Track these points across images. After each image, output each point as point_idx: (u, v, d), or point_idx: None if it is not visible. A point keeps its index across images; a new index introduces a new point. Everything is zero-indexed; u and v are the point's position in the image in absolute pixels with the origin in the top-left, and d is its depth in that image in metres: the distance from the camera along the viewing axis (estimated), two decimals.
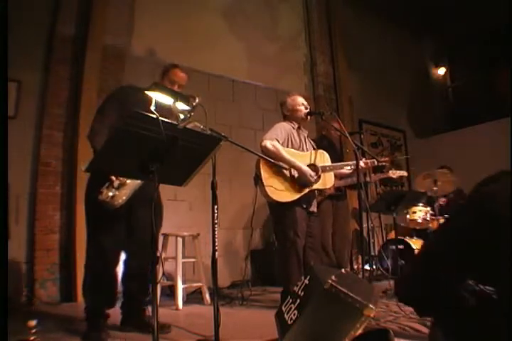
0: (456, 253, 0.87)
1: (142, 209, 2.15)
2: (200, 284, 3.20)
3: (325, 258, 3.37)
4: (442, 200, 4.60)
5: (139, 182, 2.12)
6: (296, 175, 2.76)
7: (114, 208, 2.08)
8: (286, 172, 2.75)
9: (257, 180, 2.74)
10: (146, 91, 1.97)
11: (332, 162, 2.97)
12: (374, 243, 5.01)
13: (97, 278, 2.17)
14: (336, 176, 3.38)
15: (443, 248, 0.91)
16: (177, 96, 1.92)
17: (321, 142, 3.69)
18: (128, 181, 2.10)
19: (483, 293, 0.87)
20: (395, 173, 3.48)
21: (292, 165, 2.74)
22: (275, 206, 2.80)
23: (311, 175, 2.75)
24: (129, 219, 2.22)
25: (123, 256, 2.32)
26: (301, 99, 3.00)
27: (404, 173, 3.61)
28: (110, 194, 2.05)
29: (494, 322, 0.84)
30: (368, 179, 3.49)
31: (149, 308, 2.01)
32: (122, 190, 2.09)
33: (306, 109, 2.97)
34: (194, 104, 1.97)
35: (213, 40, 4.56)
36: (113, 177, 2.06)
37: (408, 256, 4.26)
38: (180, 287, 2.98)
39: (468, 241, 0.85)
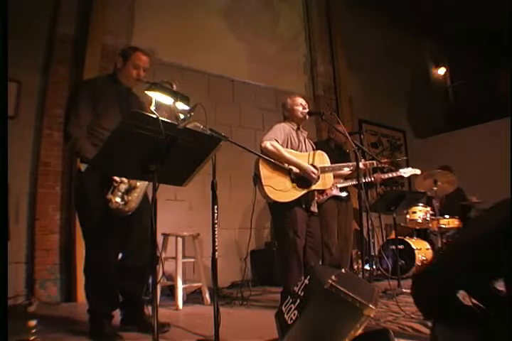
0: (484, 250, 0.86)
1: (142, 210, 2.15)
2: (200, 284, 3.20)
3: (328, 257, 3.37)
4: (436, 203, 4.57)
5: (147, 183, 2.09)
6: (296, 174, 2.76)
7: (128, 214, 2.06)
8: (286, 173, 2.76)
9: (256, 180, 2.74)
10: (146, 92, 1.97)
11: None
12: (374, 243, 5.01)
13: (100, 280, 2.15)
14: (340, 177, 3.39)
15: (471, 246, 0.90)
16: (177, 96, 1.92)
17: (328, 144, 3.70)
18: (138, 184, 2.07)
19: (473, 309, 0.87)
20: (406, 172, 3.34)
21: (293, 164, 2.76)
22: (275, 206, 2.81)
23: (312, 172, 2.76)
24: (128, 219, 2.17)
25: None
26: (300, 100, 3.02)
27: (418, 171, 3.42)
28: (118, 200, 2.01)
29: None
30: (372, 179, 3.46)
31: (149, 308, 2.02)
32: (134, 194, 2.06)
33: (305, 109, 2.99)
34: (174, 89, 1.95)
35: (213, 40, 4.56)
36: (117, 179, 2.03)
37: (408, 256, 4.27)
38: (180, 287, 2.98)
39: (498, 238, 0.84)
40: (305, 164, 2.79)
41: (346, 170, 3.24)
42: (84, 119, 2.11)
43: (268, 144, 2.78)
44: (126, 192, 2.05)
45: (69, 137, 2.10)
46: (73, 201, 2.23)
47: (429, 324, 1.98)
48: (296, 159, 2.79)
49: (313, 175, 2.76)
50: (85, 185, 2.15)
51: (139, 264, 2.20)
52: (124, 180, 2.06)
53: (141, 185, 2.09)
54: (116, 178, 2.03)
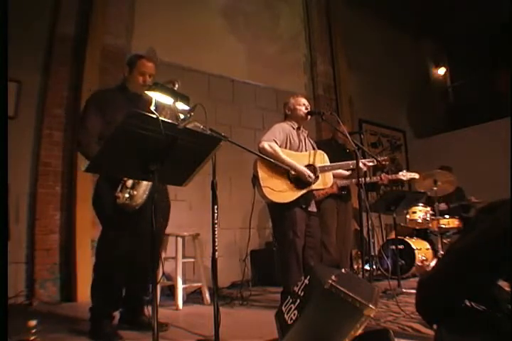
0: (488, 253, 0.86)
1: (148, 209, 2.15)
2: (200, 284, 3.20)
3: (326, 256, 3.37)
4: (442, 206, 4.58)
5: None
6: (294, 175, 2.76)
7: (136, 209, 2.07)
8: (284, 173, 2.75)
9: (255, 181, 2.74)
10: (146, 92, 1.97)
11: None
12: (374, 243, 5.01)
13: (108, 280, 2.16)
14: (340, 177, 3.39)
15: (473, 250, 0.90)
16: (177, 96, 1.92)
17: (331, 144, 3.70)
18: None
19: (481, 311, 0.87)
20: (405, 175, 3.38)
21: (290, 167, 2.74)
22: (274, 206, 2.81)
23: (309, 176, 2.75)
24: (135, 218, 2.16)
25: None
26: (303, 100, 3.04)
27: (416, 175, 3.47)
28: (126, 195, 2.04)
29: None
30: (373, 179, 3.46)
31: (149, 308, 2.02)
32: (139, 188, 2.08)
33: (306, 109, 3.00)
34: (175, 88, 1.99)
35: (213, 40, 4.56)
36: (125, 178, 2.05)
37: (408, 256, 4.27)
38: (180, 287, 2.98)
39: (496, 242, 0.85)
40: (300, 167, 2.76)
41: (346, 172, 3.25)
42: (93, 128, 2.19)
43: (266, 145, 2.77)
44: (133, 187, 2.07)
45: (79, 143, 2.22)
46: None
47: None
48: (292, 161, 2.76)
49: (310, 179, 2.75)
50: (98, 187, 2.22)
51: (141, 264, 2.20)
52: None
53: None
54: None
